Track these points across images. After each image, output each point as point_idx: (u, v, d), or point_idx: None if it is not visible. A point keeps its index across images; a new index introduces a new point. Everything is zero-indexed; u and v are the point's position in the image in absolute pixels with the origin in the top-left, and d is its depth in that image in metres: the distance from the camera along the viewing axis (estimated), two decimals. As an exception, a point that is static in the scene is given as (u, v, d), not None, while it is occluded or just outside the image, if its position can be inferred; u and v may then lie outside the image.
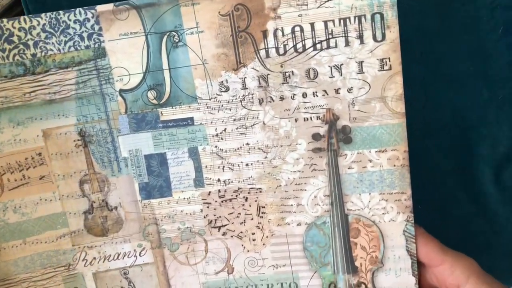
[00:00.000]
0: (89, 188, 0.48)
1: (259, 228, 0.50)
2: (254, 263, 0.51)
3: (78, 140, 0.47)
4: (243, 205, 0.50)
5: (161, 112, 0.46)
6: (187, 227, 0.49)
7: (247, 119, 0.46)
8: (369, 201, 0.47)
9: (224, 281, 0.51)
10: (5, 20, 0.44)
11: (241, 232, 0.50)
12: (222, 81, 0.46)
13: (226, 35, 0.44)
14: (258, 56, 0.45)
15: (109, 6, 0.45)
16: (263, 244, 0.51)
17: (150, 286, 0.50)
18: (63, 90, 0.47)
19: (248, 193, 0.49)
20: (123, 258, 0.50)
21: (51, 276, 0.50)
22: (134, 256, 0.50)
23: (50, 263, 0.49)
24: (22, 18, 0.45)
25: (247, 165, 0.48)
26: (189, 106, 0.46)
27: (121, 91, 0.46)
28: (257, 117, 0.46)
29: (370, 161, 0.46)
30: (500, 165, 0.56)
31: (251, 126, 0.47)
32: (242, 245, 0.50)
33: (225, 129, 0.47)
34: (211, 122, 0.47)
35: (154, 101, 0.46)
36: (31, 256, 0.49)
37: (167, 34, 0.45)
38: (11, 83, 0.46)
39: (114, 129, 0.47)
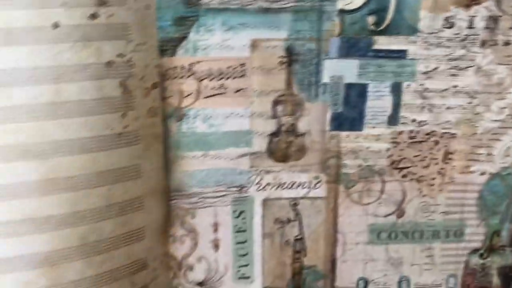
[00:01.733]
0: (282, 110, 0.41)
1: (440, 173, 0.45)
2: (426, 209, 0.46)
3: (284, 57, 0.40)
4: (432, 149, 0.43)
5: (376, 39, 0.40)
6: (369, 165, 0.43)
7: (463, 60, 0.40)
8: (562, 155, 0.43)
9: (391, 225, 0.44)
10: None
11: (422, 176, 0.43)
12: (448, 17, 0.39)
13: (465, -33, 0.38)
14: (496, -7, 0.39)
15: None
16: (440, 190, 0.46)
17: (316, 221, 0.44)
18: (282, 0, 0.42)
19: (441, 137, 0.42)
20: (296, 188, 0.43)
21: (222, 195, 0.43)
22: (308, 188, 0.43)
23: (224, 181, 0.42)
24: None
25: (448, 108, 0.42)
26: (406, 38, 0.40)
27: (341, 11, 0.39)
28: (474, 60, 0.41)
29: None
30: None
31: (465, 68, 0.41)
32: (419, 189, 0.44)
33: (436, 68, 0.41)
34: (425, 59, 0.40)
35: (372, 27, 0.39)
36: (208, 170, 0.42)
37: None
38: None
39: (323, 51, 0.40)
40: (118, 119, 0.38)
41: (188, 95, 0.40)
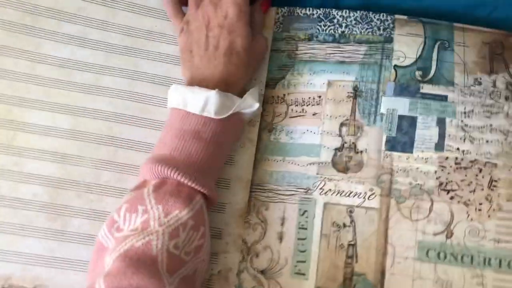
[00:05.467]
0: (346, 131, 0.47)
1: (487, 200, 0.43)
2: (475, 233, 0.43)
3: (351, 92, 0.48)
4: (476, 175, 0.43)
5: (423, 86, 0.46)
6: (418, 184, 0.44)
7: (493, 107, 0.44)
8: None
9: (441, 244, 0.42)
10: (334, 10, 0.51)
11: (469, 199, 0.42)
12: (476, 78, 0.45)
13: (485, 54, 0.46)
14: (508, 71, 0.46)
15: (404, 17, 0.50)
16: (488, 216, 0.43)
17: (369, 230, 0.44)
18: (353, 56, 0.49)
19: (484, 165, 0.43)
20: (353, 197, 0.45)
21: (292, 194, 0.47)
22: (363, 198, 0.45)
23: (295, 183, 0.47)
24: (346, 11, 0.51)
25: (487, 141, 0.43)
26: (446, 88, 0.46)
27: (396, 66, 0.47)
28: (502, 108, 0.44)
29: None
30: None
31: (496, 113, 0.44)
32: (467, 213, 0.42)
33: (472, 110, 0.44)
34: (462, 103, 0.45)
35: (419, 78, 0.47)
36: (283, 172, 0.47)
37: (440, 41, 0.48)
38: (320, 45, 0.50)
39: (381, 90, 0.47)
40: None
41: (279, 115, 0.51)
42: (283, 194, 0.47)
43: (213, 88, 0.43)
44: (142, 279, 0.35)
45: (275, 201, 0.47)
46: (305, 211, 0.47)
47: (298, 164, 0.48)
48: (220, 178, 0.47)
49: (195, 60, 0.46)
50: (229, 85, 0.45)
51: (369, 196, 0.46)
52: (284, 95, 0.50)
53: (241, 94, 0.46)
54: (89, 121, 0.48)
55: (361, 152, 0.47)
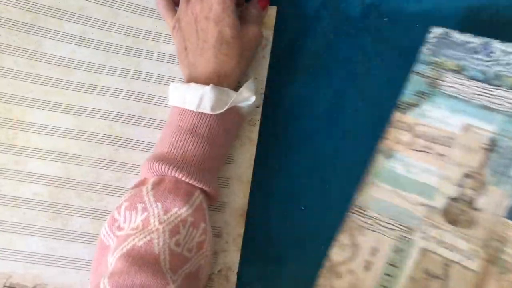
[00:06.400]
0: (468, 183, 0.44)
1: None
2: None
3: (487, 144, 0.44)
4: None
5: None
6: None
7: None
8: None
9: None
10: (497, 41, 0.46)
11: None
12: None
13: None
14: None
15: None
16: None
17: None
18: (501, 104, 0.44)
19: None
20: (454, 252, 0.44)
21: (391, 228, 0.46)
22: (465, 256, 0.43)
23: (397, 218, 0.46)
24: (509, 44, 0.45)
25: None
26: None
27: None
28: None
29: None
30: None
31: None
32: None
33: None
34: None
35: None
36: (389, 203, 0.46)
37: None
38: (468, 81, 0.45)
39: None
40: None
41: (402, 143, 0.48)
42: (383, 226, 0.47)
43: (206, 82, 0.43)
44: (146, 277, 0.36)
45: (372, 230, 0.47)
46: (401, 249, 0.46)
47: (408, 201, 0.47)
48: (219, 176, 0.47)
49: (189, 57, 0.46)
50: (222, 77, 0.44)
51: (471, 257, 0.44)
52: (414, 124, 0.47)
53: (236, 87, 0.46)
54: (90, 120, 0.48)
55: (477, 210, 0.45)
